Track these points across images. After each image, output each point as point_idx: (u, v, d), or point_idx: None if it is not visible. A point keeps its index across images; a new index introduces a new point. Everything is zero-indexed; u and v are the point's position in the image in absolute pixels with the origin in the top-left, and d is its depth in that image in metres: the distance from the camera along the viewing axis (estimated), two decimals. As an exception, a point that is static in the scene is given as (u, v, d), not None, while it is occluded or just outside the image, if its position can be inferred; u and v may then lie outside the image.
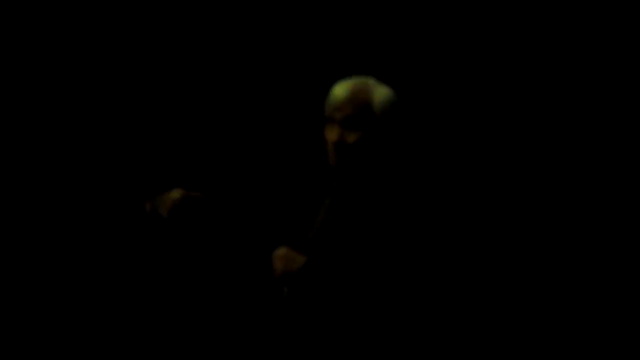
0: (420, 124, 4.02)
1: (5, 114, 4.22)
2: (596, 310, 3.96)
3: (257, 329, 3.11)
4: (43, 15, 4.21)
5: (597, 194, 4.00)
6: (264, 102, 4.21)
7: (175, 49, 4.23)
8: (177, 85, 4.24)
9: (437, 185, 2.89)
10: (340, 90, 2.85)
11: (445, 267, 2.79)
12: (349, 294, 2.75)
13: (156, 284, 4.21)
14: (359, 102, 2.81)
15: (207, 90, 4.24)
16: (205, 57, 4.23)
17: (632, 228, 3.96)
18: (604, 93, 4.01)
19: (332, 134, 2.83)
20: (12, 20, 4.20)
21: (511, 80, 4.07)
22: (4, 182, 4.22)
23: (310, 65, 4.17)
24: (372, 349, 2.76)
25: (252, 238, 3.01)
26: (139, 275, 4.22)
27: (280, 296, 2.86)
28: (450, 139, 4.08)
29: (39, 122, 4.23)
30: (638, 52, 3.98)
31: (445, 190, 2.93)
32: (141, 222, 4.21)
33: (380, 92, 2.86)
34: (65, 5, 4.20)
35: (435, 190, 2.86)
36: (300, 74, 4.18)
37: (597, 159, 4.01)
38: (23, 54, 4.21)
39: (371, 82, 2.88)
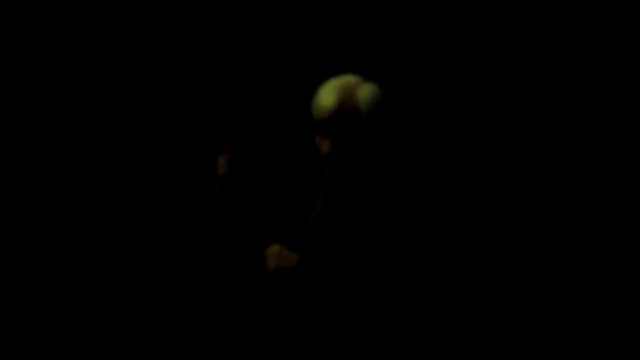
0: (408, 118, 4.01)
1: (5, 114, 4.23)
2: (596, 310, 3.96)
3: (249, 326, 3.11)
4: (43, 15, 4.21)
5: (592, 193, 4.01)
6: (257, 102, 4.20)
7: (164, 51, 4.24)
8: (169, 86, 4.24)
9: (429, 183, 2.89)
10: (326, 100, 2.80)
11: (438, 266, 2.79)
12: (341, 292, 2.75)
13: (150, 282, 4.21)
14: (347, 110, 2.78)
15: (201, 91, 4.24)
16: (197, 58, 4.24)
17: (632, 228, 3.96)
18: (587, 92, 4.01)
19: (324, 146, 2.80)
20: (12, 20, 4.20)
21: (495, 73, 4.07)
22: (5, 183, 4.23)
23: (301, 63, 4.15)
24: (363, 348, 2.76)
25: (246, 235, 3.01)
26: (133, 273, 4.23)
27: (272, 294, 2.86)
28: (438, 134, 4.07)
29: (39, 122, 4.24)
30: (638, 52, 3.98)
31: (436, 188, 2.93)
32: (132, 221, 4.22)
33: (366, 92, 2.82)
34: (65, 5, 4.21)
35: (427, 188, 2.86)
36: (290, 72, 4.17)
37: (589, 157, 4.01)
38: (23, 54, 4.22)
39: (354, 82, 2.83)
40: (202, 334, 4.09)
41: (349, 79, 2.85)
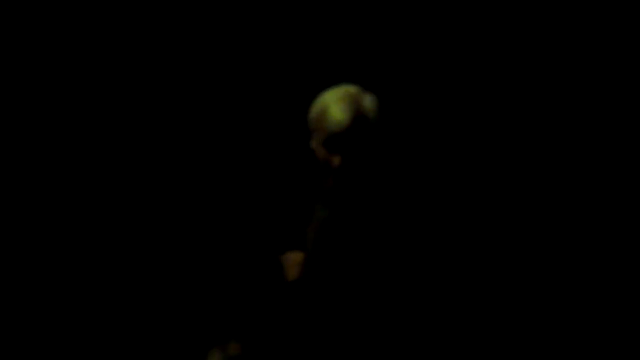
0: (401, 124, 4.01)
1: (5, 114, 4.22)
2: (596, 310, 3.97)
3: (269, 333, 3.10)
4: (43, 15, 4.21)
5: (592, 193, 4.01)
6: (255, 107, 4.20)
7: (163, 55, 4.23)
8: (168, 90, 4.24)
9: (428, 186, 2.90)
10: (339, 115, 2.78)
11: (445, 268, 2.81)
12: (367, 296, 2.75)
13: (160, 286, 4.21)
14: (360, 123, 2.78)
15: (199, 97, 4.24)
16: (192, 64, 4.23)
17: (632, 228, 3.97)
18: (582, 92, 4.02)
19: (334, 160, 2.79)
20: (12, 20, 4.20)
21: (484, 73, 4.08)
22: (6, 183, 4.22)
23: (296, 69, 4.15)
24: (382, 352, 2.77)
25: (253, 243, 3.00)
26: (144, 276, 4.22)
27: (290, 300, 2.84)
28: (428, 139, 4.07)
29: (39, 122, 4.23)
30: (638, 52, 3.99)
31: (435, 192, 2.93)
32: (143, 223, 4.21)
33: (371, 102, 2.82)
34: (65, 5, 4.20)
35: (427, 192, 2.87)
36: (285, 78, 4.16)
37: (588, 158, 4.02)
38: (23, 54, 4.21)
39: (356, 92, 2.83)
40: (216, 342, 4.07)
41: (349, 89, 2.85)
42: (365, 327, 2.75)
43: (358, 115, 2.78)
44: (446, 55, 4.06)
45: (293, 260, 2.82)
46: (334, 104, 2.80)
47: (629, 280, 3.95)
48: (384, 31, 4.09)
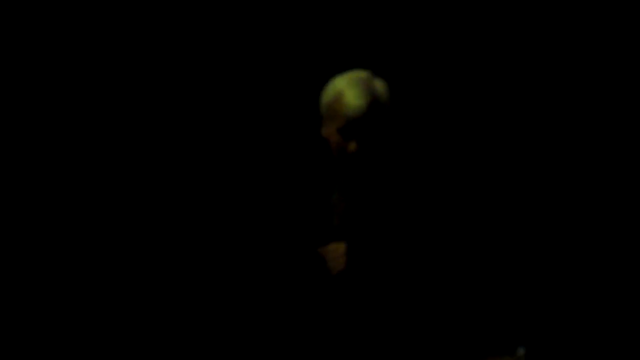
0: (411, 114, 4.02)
1: (5, 114, 4.23)
2: (596, 310, 3.97)
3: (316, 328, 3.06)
4: (43, 16, 4.21)
5: (592, 193, 4.01)
6: (260, 103, 4.20)
7: (173, 50, 4.23)
8: (176, 88, 4.23)
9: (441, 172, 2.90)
10: (356, 99, 2.79)
11: (455, 264, 2.81)
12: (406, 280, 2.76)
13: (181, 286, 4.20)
14: (376, 107, 2.80)
15: (206, 93, 4.24)
16: (202, 58, 4.23)
17: (632, 228, 3.97)
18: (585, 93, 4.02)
19: (350, 145, 2.80)
20: (12, 20, 4.20)
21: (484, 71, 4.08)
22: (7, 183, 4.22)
23: (303, 63, 4.14)
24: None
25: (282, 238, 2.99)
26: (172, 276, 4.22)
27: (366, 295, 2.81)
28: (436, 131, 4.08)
29: (39, 122, 4.23)
30: (638, 52, 3.99)
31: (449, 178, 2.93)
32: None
33: (382, 87, 2.84)
34: (65, 5, 4.21)
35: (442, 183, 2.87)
36: (292, 72, 4.16)
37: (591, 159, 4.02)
38: (23, 54, 4.21)
39: (367, 76, 2.84)
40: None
41: (359, 74, 2.86)
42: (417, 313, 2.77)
43: (373, 100, 2.79)
44: (443, 40, 4.07)
45: (335, 251, 2.81)
46: (349, 90, 2.80)
47: (629, 281, 3.96)
48: (377, 18, 4.10)
